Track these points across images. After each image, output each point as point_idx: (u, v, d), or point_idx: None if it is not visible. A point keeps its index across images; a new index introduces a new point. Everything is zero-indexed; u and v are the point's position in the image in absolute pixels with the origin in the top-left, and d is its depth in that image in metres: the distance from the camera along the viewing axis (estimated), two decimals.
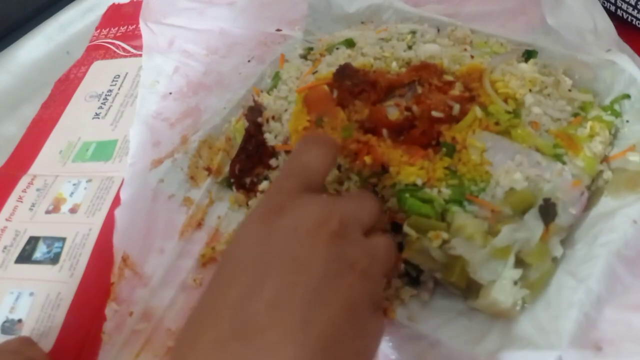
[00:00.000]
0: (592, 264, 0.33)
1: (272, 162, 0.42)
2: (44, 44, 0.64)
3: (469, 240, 0.33)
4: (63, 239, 0.44)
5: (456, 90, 0.39)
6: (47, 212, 0.47)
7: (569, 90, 0.41)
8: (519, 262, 0.33)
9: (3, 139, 0.55)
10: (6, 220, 0.47)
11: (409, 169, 0.36)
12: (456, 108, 0.38)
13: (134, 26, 0.63)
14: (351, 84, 0.41)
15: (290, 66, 0.48)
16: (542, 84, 0.41)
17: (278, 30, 0.55)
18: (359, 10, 0.53)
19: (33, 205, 0.47)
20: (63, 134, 0.54)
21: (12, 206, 0.48)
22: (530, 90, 0.40)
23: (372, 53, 0.45)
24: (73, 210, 0.46)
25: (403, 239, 0.35)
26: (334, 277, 0.25)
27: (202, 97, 0.51)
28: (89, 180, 0.48)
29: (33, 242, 0.45)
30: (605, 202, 0.36)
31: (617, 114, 0.40)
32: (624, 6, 0.46)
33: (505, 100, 0.39)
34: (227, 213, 0.43)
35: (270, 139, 0.42)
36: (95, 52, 0.62)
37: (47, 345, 0.38)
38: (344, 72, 0.41)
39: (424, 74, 0.41)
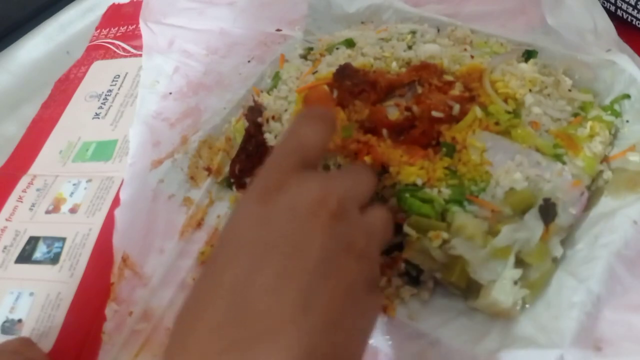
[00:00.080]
0: (592, 264, 0.33)
1: None
2: (44, 44, 0.64)
3: (469, 240, 0.33)
4: (63, 239, 0.44)
5: (456, 90, 0.39)
6: (47, 212, 0.47)
7: (569, 90, 0.41)
8: (519, 262, 0.33)
9: (3, 139, 0.55)
10: (6, 220, 0.47)
11: (409, 169, 0.36)
12: (456, 108, 0.38)
13: (134, 26, 0.63)
14: (351, 84, 0.41)
15: (290, 66, 0.48)
16: (542, 84, 0.41)
17: (278, 30, 0.55)
18: (359, 10, 0.53)
19: (33, 205, 0.47)
20: (63, 134, 0.54)
21: (12, 206, 0.48)
22: (530, 90, 0.40)
23: (372, 53, 0.45)
24: (73, 210, 0.46)
25: (403, 239, 0.35)
26: (332, 261, 0.25)
27: (202, 97, 0.51)
28: (89, 180, 0.48)
29: (33, 242, 0.45)
30: (605, 202, 0.36)
31: (617, 114, 0.40)
32: (624, 6, 0.46)
33: (505, 100, 0.39)
34: (227, 213, 0.43)
35: (270, 139, 0.42)
36: (95, 52, 0.62)
37: (47, 345, 0.39)
38: (344, 72, 0.41)
39: (424, 74, 0.41)
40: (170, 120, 0.50)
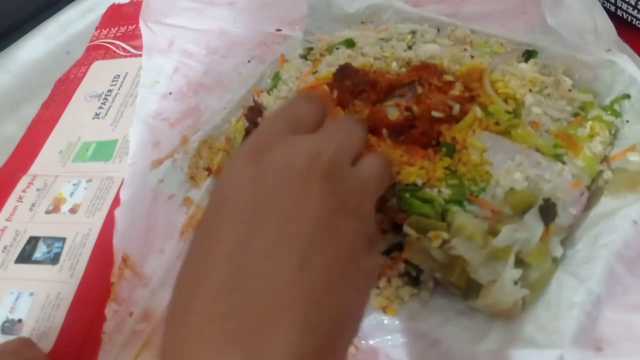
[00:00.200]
0: (592, 264, 0.33)
1: None
2: (44, 44, 0.63)
3: (469, 240, 0.33)
4: (63, 239, 0.44)
5: (456, 90, 0.39)
6: (47, 212, 0.47)
7: (569, 90, 0.41)
8: (519, 262, 0.33)
9: (3, 139, 0.55)
10: (6, 220, 0.47)
11: (409, 169, 0.36)
12: (456, 108, 0.38)
13: (134, 26, 0.63)
14: (351, 84, 0.41)
15: (290, 66, 0.48)
16: (542, 84, 0.41)
17: (278, 30, 0.55)
18: (359, 10, 0.53)
19: (33, 205, 0.47)
20: (63, 134, 0.54)
21: (12, 206, 0.48)
22: (530, 90, 0.40)
23: (372, 53, 0.45)
24: (73, 210, 0.46)
25: (403, 239, 0.35)
26: (328, 221, 0.25)
27: (202, 97, 0.51)
28: (89, 180, 0.48)
29: (33, 242, 0.45)
30: (605, 202, 0.36)
31: (617, 114, 0.40)
32: (624, 6, 0.46)
33: (505, 100, 0.39)
34: None
35: None
36: (95, 52, 0.62)
37: (47, 345, 0.38)
38: (344, 72, 0.41)
39: (424, 74, 0.41)
40: (170, 120, 0.50)
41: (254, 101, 0.46)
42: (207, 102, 0.51)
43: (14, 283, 0.42)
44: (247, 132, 0.44)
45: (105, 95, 0.56)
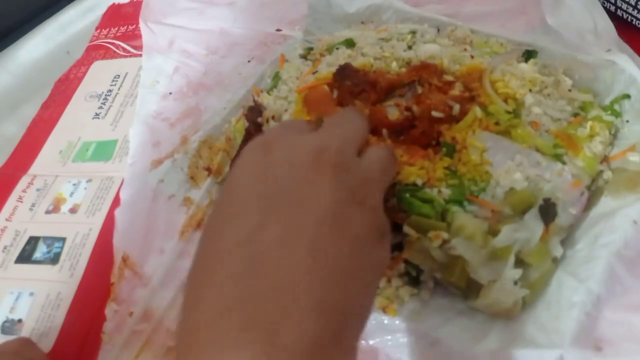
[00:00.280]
0: (592, 264, 0.33)
1: None
2: (44, 44, 0.63)
3: (469, 240, 0.33)
4: (63, 239, 0.44)
5: (456, 90, 0.39)
6: (47, 212, 0.47)
7: (569, 90, 0.41)
8: (519, 262, 0.33)
9: (3, 139, 0.55)
10: (6, 220, 0.47)
11: (409, 169, 0.36)
12: (456, 108, 0.38)
13: (134, 26, 0.63)
14: (351, 84, 0.41)
15: (290, 66, 0.48)
16: (542, 84, 0.41)
17: (278, 30, 0.55)
18: (359, 10, 0.53)
19: (33, 205, 0.47)
20: (63, 134, 0.54)
21: (12, 206, 0.48)
22: (530, 90, 0.40)
23: (372, 53, 0.45)
24: (73, 210, 0.46)
25: (403, 239, 0.35)
26: (338, 211, 0.25)
27: (202, 97, 0.51)
28: (89, 180, 0.48)
29: (33, 242, 0.45)
30: (605, 202, 0.36)
31: (617, 114, 0.40)
32: (624, 6, 0.46)
33: (505, 100, 0.39)
34: None
35: None
36: (95, 52, 0.62)
37: (47, 345, 0.38)
38: (344, 72, 0.41)
39: (424, 74, 0.41)
40: (170, 120, 0.50)
41: (254, 101, 0.46)
42: (207, 102, 0.51)
43: (14, 283, 0.42)
44: (247, 132, 0.44)
45: (105, 95, 0.56)
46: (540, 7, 0.46)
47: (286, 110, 0.43)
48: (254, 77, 0.51)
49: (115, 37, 0.63)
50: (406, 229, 0.34)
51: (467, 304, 0.34)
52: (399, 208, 0.35)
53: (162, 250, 0.41)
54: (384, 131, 0.38)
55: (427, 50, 0.44)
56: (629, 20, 0.47)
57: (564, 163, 0.36)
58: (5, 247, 0.45)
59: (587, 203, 0.36)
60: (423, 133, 0.37)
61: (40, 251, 0.44)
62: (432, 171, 0.36)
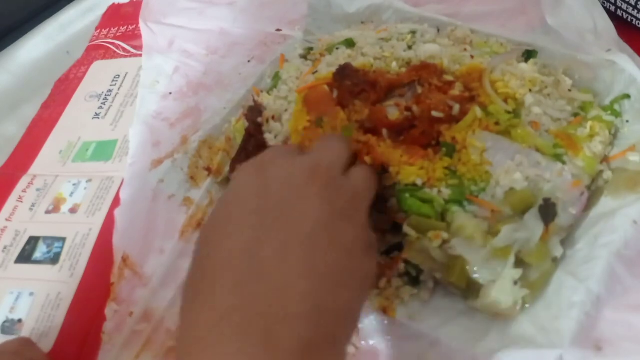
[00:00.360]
0: (592, 264, 0.33)
1: None
2: (44, 44, 0.64)
3: (469, 240, 0.33)
4: (63, 239, 0.44)
5: (456, 90, 0.39)
6: (47, 212, 0.47)
7: (569, 90, 0.41)
8: (519, 262, 0.33)
9: (3, 139, 0.55)
10: (6, 220, 0.47)
11: (409, 169, 0.36)
12: (456, 108, 0.38)
13: (134, 26, 0.63)
14: (351, 84, 0.41)
15: (290, 66, 0.48)
16: (542, 84, 0.41)
17: (278, 30, 0.55)
18: (359, 10, 0.53)
19: (33, 205, 0.47)
20: (63, 134, 0.54)
21: (12, 206, 0.48)
22: (530, 90, 0.40)
23: (372, 53, 0.45)
24: (73, 210, 0.46)
25: (403, 239, 0.35)
26: (329, 224, 0.27)
27: (202, 97, 0.51)
28: (89, 180, 0.48)
29: (33, 242, 0.45)
30: (605, 202, 0.36)
31: (617, 114, 0.40)
32: (624, 6, 0.46)
33: (505, 100, 0.39)
34: None
35: (270, 139, 0.42)
36: (95, 52, 0.62)
37: (47, 345, 0.39)
38: (344, 72, 0.41)
39: (424, 74, 0.41)
40: (170, 120, 0.50)
41: (254, 101, 0.46)
42: (207, 102, 0.51)
43: (14, 283, 0.42)
44: (247, 132, 0.44)
45: (105, 95, 0.56)
46: (540, 7, 0.46)
47: (286, 110, 0.43)
48: (254, 77, 0.51)
49: (115, 37, 0.63)
50: (406, 229, 0.34)
51: (467, 304, 0.34)
52: (399, 208, 0.35)
53: (162, 250, 0.41)
54: (384, 131, 0.38)
55: (427, 50, 0.44)
56: (629, 20, 0.47)
57: (564, 163, 0.36)
58: (5, 247, 0.45)
59: (587, 203, 0.36)
60: (423, 133, 0.37)
61: (40, 251, 0.44)
62: (432, 171, 0.36)
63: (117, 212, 0.44)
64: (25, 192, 0.49)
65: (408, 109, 0.38)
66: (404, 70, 0.43)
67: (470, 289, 0.34)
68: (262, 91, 0.47)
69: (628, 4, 0.46)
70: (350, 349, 0.34)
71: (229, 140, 0.47)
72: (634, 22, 0.46)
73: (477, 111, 0.38)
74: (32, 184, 0.49)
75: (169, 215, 0.43)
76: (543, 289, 0.33)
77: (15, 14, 0.65)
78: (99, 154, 0.50)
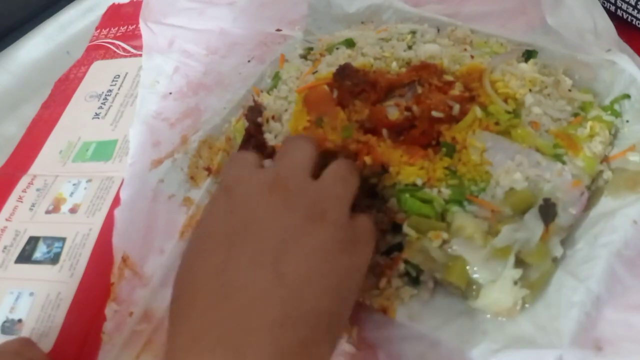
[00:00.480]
0: (592, 264, 0.33)
1: None
2: (44, 44, 0.63)
3: (469, 240, 0.33)
4: (63, 239, 0.44)
5: (456, 90, 0.39)
6: (47, 212, 0.47)
7: (569, 90, 0.41)
8: (519, 262, 0.33)
9: (3, 139, 0.55)
10: (6, 220, 0.47)
11: (409, 169, 0.36)
12: (456, 108, 0.38)
13: (134, 26, 0.62)
14: (351, 84, 0.41)
15: (290, 66, 0.48)
16: (542, 84, 0.41)
17: (278, 30, 0.55)
18: (359, 10, 0.53)
19: (33, 205, 0.47)
20: (63, 134, 0.53)
21: (12, 206, 0.48)
22: (530, 90, 0.40)
23: (372, 53, 0.45)
24: (73, 210, 0.46)
25: (403, 239, 0.35)
26: (295, 232, 0.28)
27: (202, 97, 0.51)
28: (89, 180, 0.48)
29: (33, 242, 0.45)
30: (605, 202, 0.36)
31: (617, 114, 0.40)
32: (624, 6, 0.46)
33: (505, 100, 0.39)
34: None
35: (270, 139, 0.42)
36: (95, 52, 0.62)
37: (47, 345, 0.38)
38: (344, 72, 0.41)
39: (424, 74, 0.41)
40: (170, 120, 0.50)
41: (254, 101, 0.46)
42: (207, 102, 0.51)
43: (14, 283, 0.42)
44: (247, 132, 0.44)
45: (105, 95, 0.56)
46: (540, 7, 0.46)
47: (286, 110, 0.43)
48: (254, 77, 0.51)
49: (115, 37, 0.63)
50: (406, 229, 0.34)
51: (467, 304, 0.34)
52: (399, 208, 0.35)
53: (162, 250, 0.41)
54: (384, 131, 0.38)
55: (427, 50, 0.44)
56: (629, 20, 0.47)
57: (564, 163, 0.36)
58: (5, 247, 0.45)
59: (587, 203, 0.36)
60: (423, 133, 0.37)
61: (40, 251, 0.44)
62: (432, 171, 0.36)
63: (117, 212, 0.44)
64: (25, 192, 0.49)
65: (408, 109, 0.38)
66: (404, 70, 0.43)
67: (470, 289, 0.34)
68: (262, 91, 0.47)
69: (628, 4, 0.46)
70: (351, 350, 0.34)
71: (229, 140, 0.47)
72: (634, 22, 0.46)
73: (477, 111, 0.38)
74: (32, 184, 0.49)
75: (169, 215, 0.43)
76: (543, 289, 0.33)
77: (15, 14, 0.65)
78: (99, 154, 0.50)
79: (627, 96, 0.40)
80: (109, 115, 0.54)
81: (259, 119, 0.44)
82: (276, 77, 0.48)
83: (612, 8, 0.47)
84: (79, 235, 0.44)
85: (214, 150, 0.46)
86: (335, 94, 0.41)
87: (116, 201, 0.45)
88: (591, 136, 0.38)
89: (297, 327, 0.26)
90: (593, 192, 0.37)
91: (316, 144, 0.34)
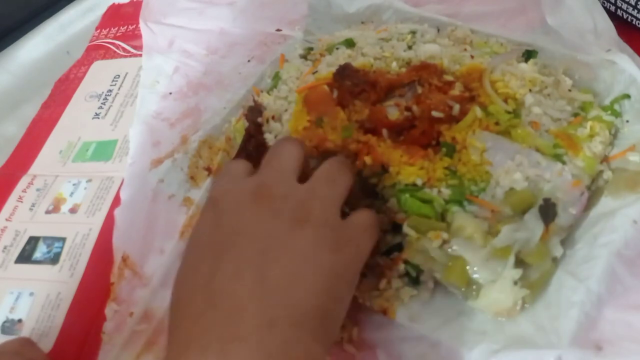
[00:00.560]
0: (592, 264, 0.33)
1: None
2: (44, 44, 0.63)
3: (469, 240, 0.33)
4: (63, 239, 0.44)
5: (456, 90, 0.39)
6: (47, 212, 0.47)
7: (569, 90, 0.41)
8: (519, 262, 0.33)
9: (3, 139, 0.55)
10: (6, 220, 0.47)
11: (409, 169, 0.36)
12: (456, 108, 0.38)
13: (134, 26, 0.62)
14: (351, 84, 0.41)
15: (290, 66, 0.48)
16: (542, 84, 0.41)
17: (278, 30, 0.55)
18: (359, 10, 0.53)
19: (33, 205, 0.47)
20: (63, 134, 0.53)
21: (12, 206, 0.48)
22: (530, 90, 0.40)
23: (372, 53, 0.45)
24: (73, 210, 0.46)
25: (403, 239, 0.35)
26: (278, 235, 0.29)
27: (202, 97, 0.51)
28: (89, 180, 0.48)
29: (33, 242, 0.45)
30: (605, 202, 0.36)
31: (617, 114, 0.40)
32: (624, 6, 0.46)
33: (505, 100, 0.39)
34: None
35: (270, 139, 0.42)
36: (95, 52, 0.62)
37: (47, 345, 0.38)
38: (344, 72, 0.41)
39: (424, 74, 0.41)
40: (170, 120, 0.50)
41: (254, 101, 0.46)
42: (207, 102, 0.51)
43: (14, 283, 0.42)
44: (247, 132, 0.44)
45: (105, 95, 0.56)
46: (540, 7, 0.46)
47: (286, 110, 0.43)
48: (254, 77, 0.51)
49: (115, 37, 0.63)
50: (406, 229, 0.34)
51: (467, 304, 0.34)
52: (399, 208, 0.35)
53: (162, 250, 0.41)
54: (384, 131, 0.38)
55: (427, 50, 0.44)
56: (629, 20, 0.47)
57: (564, 163, 0.36)
58: (5, 247, 0.45)
59: (587, 203, 0.36)
60: (423, 133, 0.37)
61: (40, 251, 0.44)
62: (432, 171, 0.36)
63: (117, 212, 0.44)
64: (25, 192, 0.49)
65: (408, 109, 0.38)
66: (404, 70, 0.43)
67: (470, 289, 0.34)
68: (262, 91, 0.47)
69: (628, 4, 0.46)
70: (351, 350, 0.34)
71: (229, 140, 0.47)
72: (634, 22, 0.46)
73: (477, 111, 0.38)
74: (32, 184, 0.49)
75: (169, 215, 0.43)
76: (543, 289, 0.33)
77: (15, 14, 0.65)
78: (99, 154, 0.50)
79: (627, 96, 0.40)
80: (109, 115, 0.54)
81: (259, 119, 0.44)
82: (276, 77, 0.48)
83: (612, 8, 0.47)
84: (79, 235, 0.44)
85: (214, 150, 0.46)
86: (335, 94, 0.41)
87: (116, 201, 0.45)
88: (591, 136, 0.38)
89: (284, 328, 0.26)
90: (593, 192, 0.37)
91: (302, 145, 0.34)
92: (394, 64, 0.44)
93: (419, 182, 0.35)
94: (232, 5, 0.58)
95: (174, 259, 0.41)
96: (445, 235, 0.33)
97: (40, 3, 0.66)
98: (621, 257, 0.33)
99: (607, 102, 0.41)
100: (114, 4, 0.67)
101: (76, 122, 0.54)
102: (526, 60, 0.43)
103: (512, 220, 0.34)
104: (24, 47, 0.63)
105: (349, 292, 0.30)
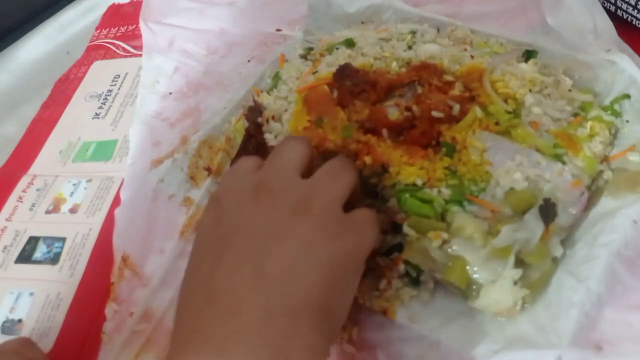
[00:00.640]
0: (592, 264, 0.33)
1: None
2: (44, 44, 0.63)
3: (469, 240, 0.33)
4: (63, 239, 0.44)
5: (456, 90, 0.39)
6: (47, 212, 0.47)
7: (569, 90, 0.41)
8: (519, 262, 0.33)
9: (3, 139, 0.55)
10: (6, 220, 0.47)
11: (409, 169, 0.36)
12: (456, 108, 0.38)
13: (134, 26, 0.63)
14: (351, 84, 0.41)
15: (290, 66, 0.48)
16: (542, 84, 0.41)
17: (278, 30, 0.55)
18: (359, 10, 0.53)
19: (33, 205, 0.47)
20: (63, 134, 0.54)
21: (12, 206, 0.48)
22: (530, 90, 0.40)
23: (372, 53, 0.45)
24: (73, 210, 0.46)
25: (403, 239, 0.35)
26: (279, 227, 0.29)
27: (202, 97, 0.51)
28: (89, 180, 0.48)
29: (33, 242, 0.45)
30: (605, 202, 0.36)
31: (617, 114, 0.40)
32: (624, 6, 0.46)
33: (505, 100, 0.39)
34: None
35: (270, 139, 0.42)
36: (95, 52, 0.62)
37: (47, 345, 0.39)
38: (344, 72, 0.41)
39: (424, 74, 0.41)
40: (170, 120, 0.50)
41: (254, 101, 0.46)
42: (207, 102, 0.51)
43: (14, 283, 0.42)
44: (247, 132, 0.44)
45: (105, 95, 0.56)
46: (540, 7, 0.46)
47: (286, 110, 0.43)
48: (254, 77, 0.51)
49: (115, 37, 0.63)
50: (406, 229, 0.34)
51: (467, 304, 0.34)
52: (399, 208, 0.35)
53: (162, 250, 0.41)
54: (384, 131, 0.38)
55: (427, 50, 0.44)
56: (629, 20, 0.47)
57: (564, 163, 0.36)
58: (5, 247, 0.45)
59: (587, 203, 0.36)
60: (423, 133, 0.37)
61: (40, 251, 0.44)
62: (432, 171, 0.36)
63: (117, 212, 0.44)
64: (25, 192, 0.49)
65: (408, 109, 0.38)
66: (404, 70, 0.43)
67: (470, 289, 0.34)
68: (262, 91, 0.47)
69: (628, 4, 0.46)
70: (351, 350, 0.34)
71: (229, 140, 0.47)
72: (634, 22, 0.46)
73: (477, 111, 0.38)
74: (32, 184, 0.49)
75: (169, 215, 0.43)
76: (543, 289, 0.33)
77: (15, 14, 0.65)
78: (99, 154, 0.50)
79: (627, 96, 0.40)
80: (109, 115, 0.54)
81: (259, 119, 0.44)
82: (276, 77, 0.48)
83: (612, 8, 0.47)
84: (79, 235, 0.44)
85: (214, 150, 0.46)
86: (335, 94, 0.41)
87: (116, 201, 0.45)
88: (591, 136, 0.38)
89: (281, 319, 0.26)
90: (593, 192, 0.37)
91: (310, 143, 0.34)
92: (394, 64, 0.44)
93: (419, 182, 0.35)
94: (232, 5, 0.58)
95: (174, 259, 0.41)
96: (445, 235, 0.33)
97: (40, 3, 0.66)
98: (621, 257, 0.33)
99: (607, 102, 0.41)
100: (114, 4, 0.67)
101: (76, 122, 0.54)
102: (526, 60, 0.43)
103: (512, 220, 0.34)
104: (24, 47, 0.63)
105: (352, 283, 0.30)
